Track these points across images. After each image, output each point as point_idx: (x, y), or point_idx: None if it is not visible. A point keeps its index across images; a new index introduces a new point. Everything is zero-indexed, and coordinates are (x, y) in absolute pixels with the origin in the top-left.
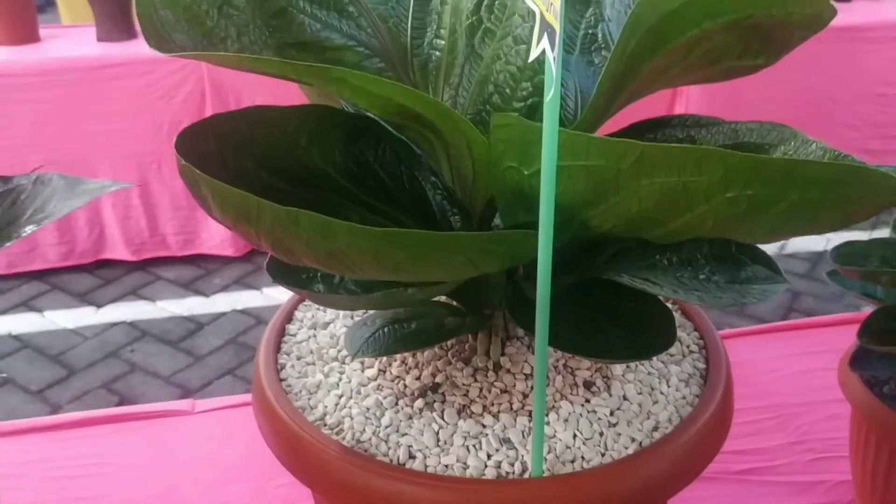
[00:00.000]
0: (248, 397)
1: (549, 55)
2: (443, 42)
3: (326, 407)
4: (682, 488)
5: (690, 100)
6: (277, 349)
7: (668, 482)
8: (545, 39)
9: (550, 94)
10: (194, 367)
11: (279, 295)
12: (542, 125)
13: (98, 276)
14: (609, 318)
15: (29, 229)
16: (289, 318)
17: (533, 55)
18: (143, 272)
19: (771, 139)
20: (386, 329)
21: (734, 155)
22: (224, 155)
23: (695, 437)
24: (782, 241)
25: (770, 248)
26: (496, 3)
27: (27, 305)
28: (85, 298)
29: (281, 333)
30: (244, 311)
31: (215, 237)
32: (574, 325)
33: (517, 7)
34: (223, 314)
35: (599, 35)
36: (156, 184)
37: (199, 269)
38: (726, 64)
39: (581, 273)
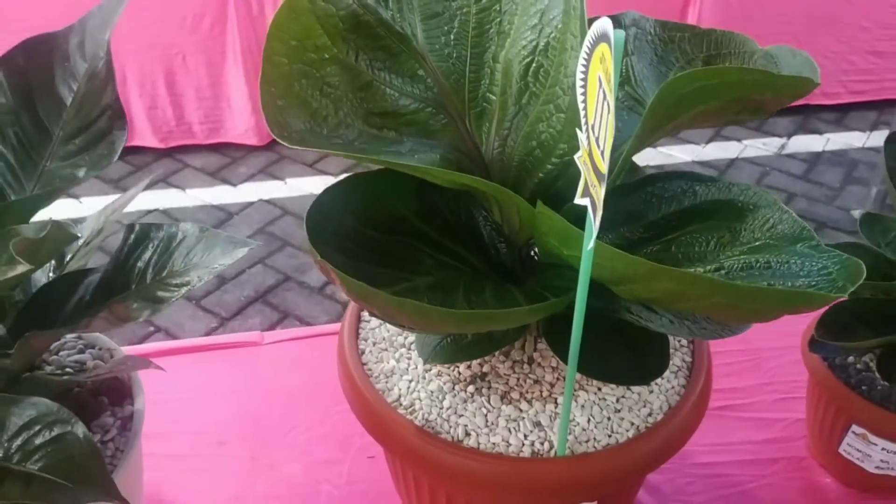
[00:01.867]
0: (307, 330)
1: (591, 217)
2: (493, 97)
3: (401, 390)
4: (667, 460)
5: (704, 4)
6: (357, 335)
7: (657, 458)
8: (588, 202)
9: (591, 245)
10: None
11: (303, 185)
12: (578, 231)
13: (128, 162)
14: (618, 347)
15: (195, 277)
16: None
17: (579, 199)
18: (171, 159)
19: (753, 201)
20: (448, 339)
21: (717, 282)
22: (334, 217)
23: (679, 423)
24: (782, 141)
25: (768, 149)
26: (541, 70)
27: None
28: (118, 185)
29: (358, 319)
30: (270, 202)
31: (240, 126)
32: (592, 352)
33: (559, 78)
34: (251, 204)
35: (624, 67)
36: (181, 75)
37: (224, 158)
38: (725, 118)
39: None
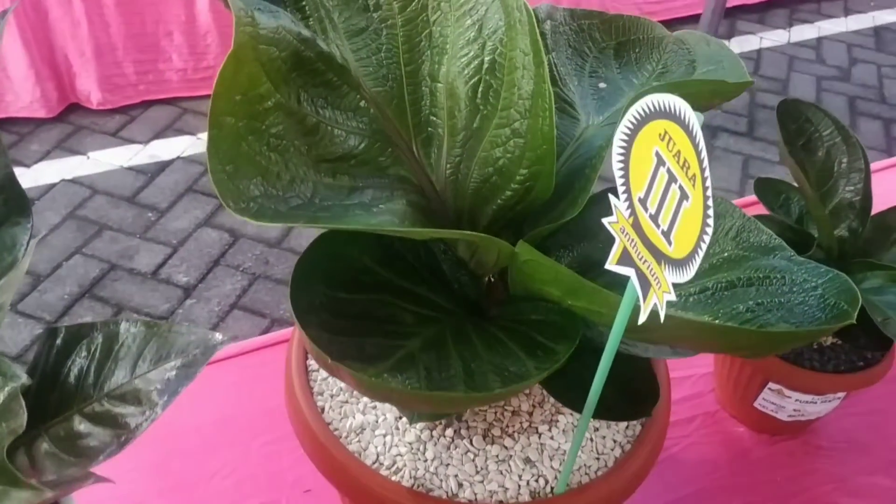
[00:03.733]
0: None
1: (638, 290)
2: (439, 120)
3: (377, 448)
4: (652, 468)
5: None
6: (310, 390)
7: (648, 469)
8: (631, 273)
9: (643, 318)
10: (37, 249)
11: (108, 158)
12: (593, 287)
13: None
14: (611, 384)
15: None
16: (305, 353)
17: (612, 265)
18: None
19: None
20: None
21: (746, 330)
22: (310, 290)
23: (657, 429)
24: None
25: None
26: (490, 91)
27: None
28: None
29: (306, 371)
30: (75, 181)
31: (23, 97)
32: (581, 387)
33: (513, 100)
34: (53, 185)
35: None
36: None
37: (10, 135)
38: None
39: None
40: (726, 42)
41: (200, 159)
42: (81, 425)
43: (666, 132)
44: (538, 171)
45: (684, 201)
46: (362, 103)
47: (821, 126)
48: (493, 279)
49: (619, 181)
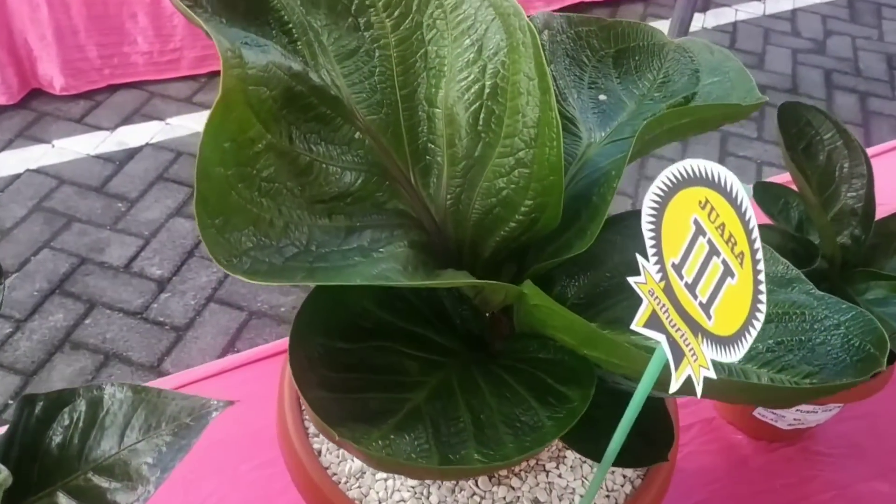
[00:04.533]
0: (188, 375)
1: (669, 357)
2: (437, 148)
3: (379, 494)
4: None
5: None
6: (305, 432)
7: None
8: (662, 339)
9: (675, 387)
10: (2, 243)
11: (74, 146)
12: (611, 340)
13: None
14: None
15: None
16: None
17: (637, 327)
18: None
19: None
20: None
21: (776, 387)
22: (308, 344)
23: (665, 470)
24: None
25: None
26: (492, 118)
27: None
28: None
29: (300, 409)
30: (40, 171)
31: None
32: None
33: (517, 128)
34: (17, 176)
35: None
36: None
37: None
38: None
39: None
40: (703, 16)
41: (170, 145)
42: (65, 503)
43: (707, 201)
44: (544, 203)
45: (729, 277)
46: (357, 135)
47: (822, 129)
48: (496, 313)
49: (648, 242)
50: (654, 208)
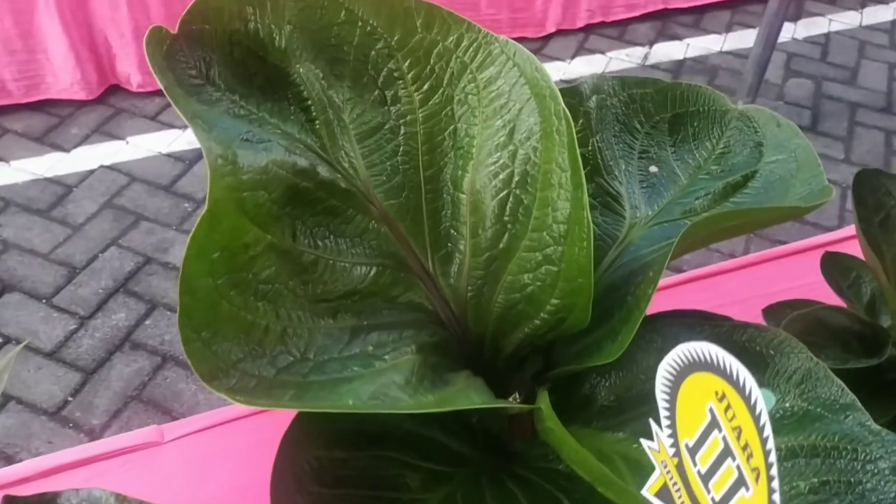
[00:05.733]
0: (213, 416)
1: None
2: (460, 236)
3: None
4: None
5: None
6: None
7: None
8: None
9: None
10: (73, 239)
11: (147, 143)
12: (599, 470)
13: None
14: None
15: None
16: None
17: (648, 494)
18: None
19: (773, 347)
20: None
21: None
22: (297, 461)
23: None
24: (645, 51)
25: (632, 60)
26: (520, 208)
27: None
28: None
29: None
30: (113, 168)
31: (63, 79)
32: None
33: (546, 222)
34: (91, 172)
35: (591, 154)
36: None
37: (50, 118)
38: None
39: None
40: (794, 26)
41: None
42: None
43: (725, 396)
44: (571, 304)
45: (743, 488)
46: (371, 224)
47: None
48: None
49: (662, 413)
50: (668, 379)
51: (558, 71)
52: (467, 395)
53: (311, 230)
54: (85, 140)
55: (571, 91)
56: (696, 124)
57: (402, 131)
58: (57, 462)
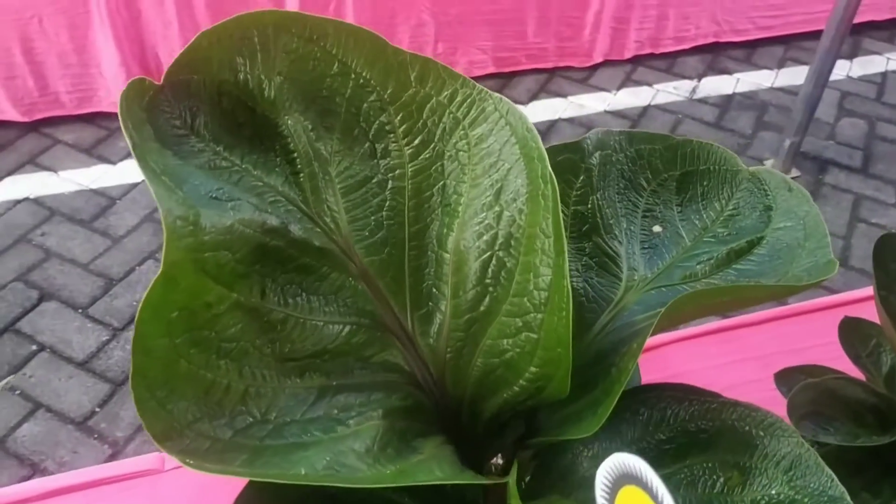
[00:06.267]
0: None
1: None
2: (441, 295)
3: None
4: None
5: None
6: None
7: None
8: None
9: None
10: (113, 251)
11: None
12: None
13: None
14: None
15: None
16: None
17: None
18: (37, 134)
19: (762, 428)
20: None
21: None
22: None
23: None
24: (693, 84)
25: (680, 93)
26: (502, 272)
27: None
28: None
29: None
30: None
31: (114, 93)
32: None
33: (527, 288)
34: (135, 185)
35: (590, 211)
36: (39, 41)
37: (99, 130)
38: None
39: None
40: (849, 63)
41: None
42: None
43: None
44: (550, 374)
45: None
46: (348, 281)
47: None
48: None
49: None
50: (605, 488)
51: (603, 102)
52: (430, 467)
53: (281, 288)
54: (129, 155)
55: (574, 146)
56: (705, 183)
57: (389, 185)
58: (59, 484)
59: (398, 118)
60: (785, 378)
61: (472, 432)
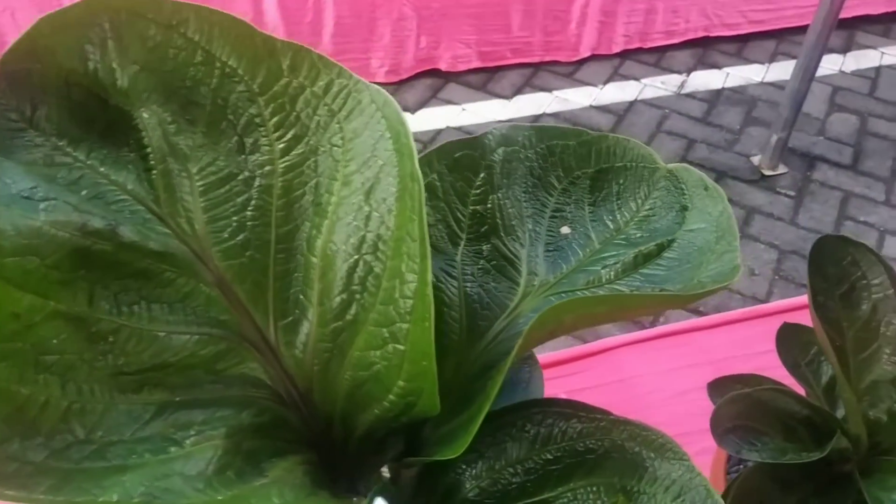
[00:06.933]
0: None
1: None
2: (309, 303)
3: None
4: None
5: None
6: None
7: None
8: None
9: None
10: None
11: None
12: None
13: None
14: None
15: None
16: None
17: None
18: None
19: (652, 449)
20: None
21: None
22: None
23: None
24: (682, 79)
25: (668, 88)
26: (370, 277)
27: None
28: None
29: None
30: None
31: None
32: None
33: (394, 297)
34: None
35: (490, 211)
36: (11, 35)
37: None
38: None
39: None
40: (842, 58)
41: None
42: None
43: None
44: (419, 388)
45: None
46: (200, 287)
47: (870, 273)
48: None
49: None
50: None
51: (589, 97)
52: (268, 492)
53: (115, 295)
54: None
55: (474, 143)
56: (621, 182)
57: (256, 183)
58: None
59: (269, 110)
60: (719, 388)
61: (346, 450)
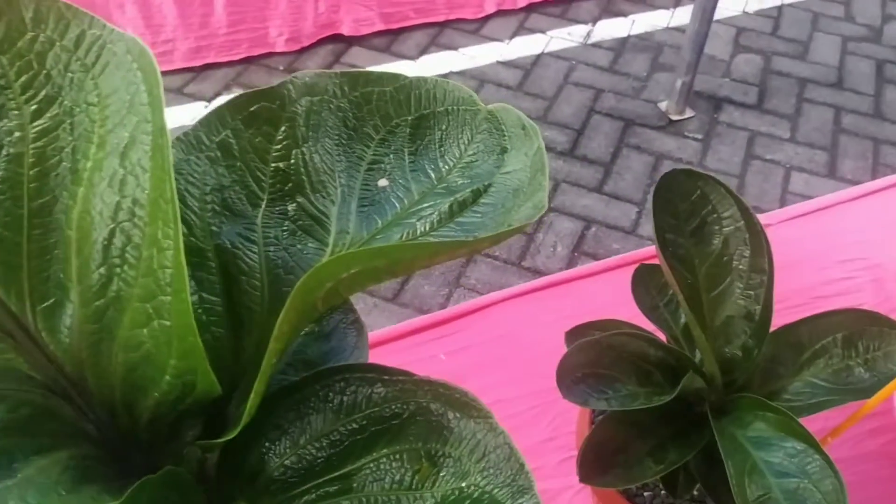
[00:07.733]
0: None
1: None
2: (66, 279)
3: None
4: None
5: None
6: None
7: None
8: None
9: None
10: None
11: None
12: None
13: None
14: None
15: None
16: None
17: None
18: None
19: (455, 410)
20: None
21: None
22: None
23: None
24: (588, 28)
25: (574, 39)
26: (128, 248)
27: None
28: None
29: None
30: None
31: None
32: None
33: (153, 268)
34: None
35: (294, 168)
36: None
37: None
38: None
39: None
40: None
41: None
42: None
43: None
44: (192, 367)
45: None
46: None
47: (720, 206)
48: None
49: None
50: None
51: (496, 53)
52: (5, 497)
53: None
54: None
55: (271, 93)
56: (443, 128)
57: (4, 153)
58: None
59: (14, 70)
60: (576, 336)
61: (137, 437)
